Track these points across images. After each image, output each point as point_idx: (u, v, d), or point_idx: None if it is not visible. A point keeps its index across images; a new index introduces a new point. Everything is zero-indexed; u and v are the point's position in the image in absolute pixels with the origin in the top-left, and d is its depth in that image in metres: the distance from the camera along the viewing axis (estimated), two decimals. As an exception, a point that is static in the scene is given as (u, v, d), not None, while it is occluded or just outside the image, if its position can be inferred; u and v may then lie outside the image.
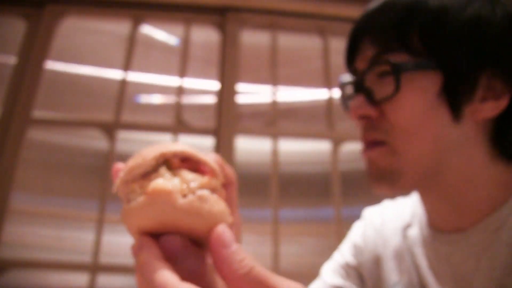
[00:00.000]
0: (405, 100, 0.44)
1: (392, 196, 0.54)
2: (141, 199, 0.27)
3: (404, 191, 0.48)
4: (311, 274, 1.68)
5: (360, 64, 0.49)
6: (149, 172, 0.28)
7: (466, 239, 0.46)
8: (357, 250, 0.63)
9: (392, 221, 0.59)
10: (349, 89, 0.52)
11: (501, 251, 0.43)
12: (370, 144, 0.47)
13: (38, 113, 1.71)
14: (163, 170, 0.28)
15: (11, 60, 1.77)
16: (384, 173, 0.47)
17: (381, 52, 0.45)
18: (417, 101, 0.44)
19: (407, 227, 0.56)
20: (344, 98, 0.53)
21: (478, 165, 0.45)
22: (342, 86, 0.53)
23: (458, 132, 0.44)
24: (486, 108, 0.44)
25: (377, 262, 0.59)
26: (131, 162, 0.29)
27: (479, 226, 0.45)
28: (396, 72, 0.43)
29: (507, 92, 0.43)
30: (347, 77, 0.52)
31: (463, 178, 0.46)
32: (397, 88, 0.43)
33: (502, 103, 0.43)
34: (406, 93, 0.44)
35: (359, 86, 0.47)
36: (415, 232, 0.54)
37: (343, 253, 0.66)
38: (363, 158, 0.49)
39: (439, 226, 0.50)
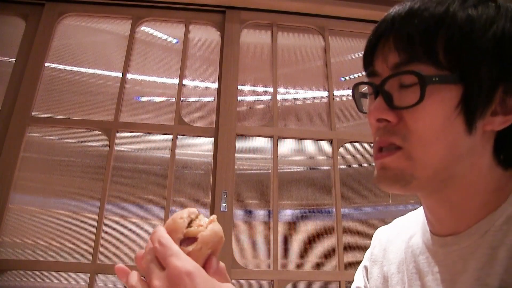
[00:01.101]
0: (426, 109, 0.45)
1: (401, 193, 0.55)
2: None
3: (412, 193, 0.50)
4: (311, 274, 1.68)
5: (381, 67, 0.49)
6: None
7: (458, 242, 0.49)
8: (367, 272, 0.66)
9: (399, 236, 0.62)
10: (365, 89, 0.53)
11: (485, 253, 0.46)
12: (385, 149, 0.49)
13: (37, 113, 1.70)
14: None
15: (11, 59, 1.77)
16: (398, 177, 0.48)
17: (406, 60, 0.46)
18: (437, 111, 0.45)
19: (411, 237, 0.59)
20: (359, 96, 0.54)
21: (480, 172, 0.47)
22: (358, 85, 0.54)
23: (469, 142, 0.46)
24: (496, 122, 0.45)
25: (384, 279, 0.62)
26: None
27: (471, 230, 0.48)
28: (423, 84, 0.44)
29: None
30: (362, 78, 0.53)
31: (466, 185, 0.48)
32: (421, 99, 0.44)
33: (511, 118, 0.45)
34: (428, 103, 0.45)
35: (380, 90, 0.48)
36: (418, 240, 0.57)
37: (356, 278, 0.69)
38: (376, 162, 0.50)
39: (437, 231, 0.53)
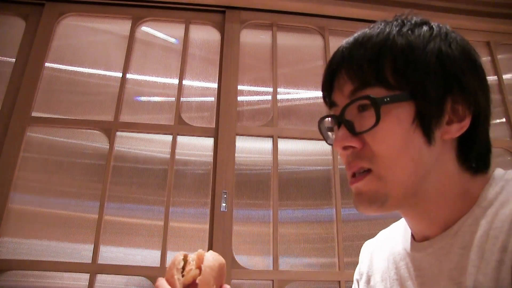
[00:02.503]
0: (384, 130, 0.48)
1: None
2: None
3: (390, 211, 0.52)
4: (311, 274, 1.68)
5: (339, 98, 0.53)
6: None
7: (432, 245, 0.52)
8: (358, 285, 0.69)
9: (383, 246, 0.65)
10: (329, 123, 0.58)
11: (457, 253, 0.48)
12: (357, 174, 0.51)
13: (37, 113, 1.70)
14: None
15: (11, 59, 1.77)
16: (373, 199, 0.50)
17: (359, 87, 0.50)
18: (395, 130, 0.48)
19: (393, 246, 0.62)
20: (326, 130, 0.59)
21: (450, 179, 0.51)
22: (322, 120, 0.58)
23: (432, 153, 0.49)
24: (452, 130, 0.49)
25: None
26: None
27: (444, 233, 0.51)
28: (376, 106, 0.48)
29: (468, 115, 0.49)
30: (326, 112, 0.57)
31: (438, 193, 0.50)
32: (377, 121, 0.48)
33: (465, 124, 0.49)
34: (385, 124, 0.48)
35: (341, 119, 0.51)
36: (399, 248, 0.60)
37: None
38: (352, 188, 0.53)
39: (416, 237, 0.56)
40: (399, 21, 0.53)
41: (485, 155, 0.53)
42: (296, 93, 1.89)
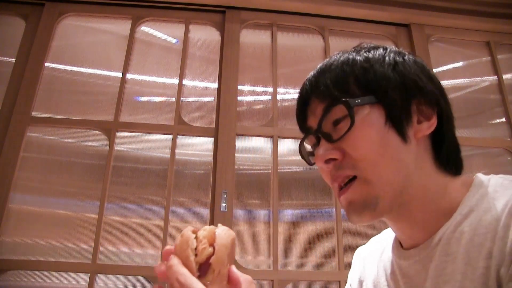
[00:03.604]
0: (360, 135, 0.51)
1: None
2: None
3: (383, 216, 0.53)
4: (311, 274, 1.68)
5: (313, 122, 0.56)
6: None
7: (418, 253, 0.54)
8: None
9: (373, 253, 0.67)
10: (309, 147, 0.60)
11: (441, 260, 0.50)
12: (344, 185, 0.53)
13: (37, 113, 1.70)
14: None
15: (11, 59, 1.77)
16: (364, 204, 0.52)
17: (330, 104, 0.53)
18: (370, 133, 0.51)
19: (382, 253, 0.64)
20: (307, 154, 0.61)
21: (430, 178, 0.53)
22: (302, 142, 0.60)
23: (410, 151, 0.52)
24: (423, 128, 0.53)
25: None
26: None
27: (429, 240, 0.52)
28: (349, 107, 0.51)
29: (433, 114, 0.54)
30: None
31: (421, 192, 0.52)
32: (352, 121, 0.51)
33: (433, 122, 0.54)
34: (359, 129, 0.51)
35: (319, 133, 0.55)
36: (388, 255, 0.62)
37: None
38: (341, 201, 0.55)
39: (403, 244, 0.58)
40: (356, 48, 0.58)
41: (455, 156, 0.56)
42: (296, 93, 1.88)
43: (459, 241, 0.48)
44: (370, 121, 0.52)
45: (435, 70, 1.96)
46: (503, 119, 1.95)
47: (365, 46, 0.58)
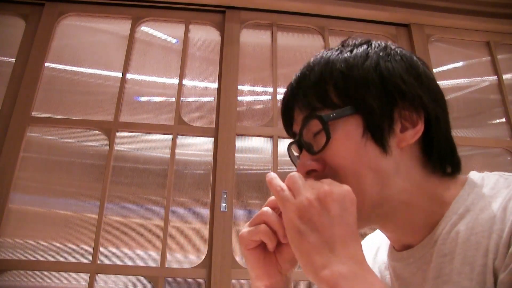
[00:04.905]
0: (338, 146, 0.50)
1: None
2: None
3: (361, 228, 0.52)
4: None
5: (297, 128, 0.56)
6: None
7: (413, 255, 0.53)
8: None
9: (368, 253, 0.65)
10: (296, 151, 0.59)
11: (439, 261, 0.49)
12: None
13: (37, 113, 1.70)
14: None
15: (11, 59, 1.77)
16: None
17: (309, 115, 0.52)
18: (347, 144, 0.50)
19: (376, 253, 0.64)
20: (295, 158, 0.61)
21: (416, 187, 0.51)
22: (289, 146, 0.60)
23: (391, 162, 0.50)
24: (407, 137, 0.51)
25: None
26: None
27: (423, 242, 0.52)
28: (323, 122, 0.50)
29: (419, 119, 0.51)
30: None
31: (405, 201, 0.51)
32: (328, 136, 0.50)
33: (419, 129, 0.51)
34: (336, 140, 0.50)
35: (300, 142, 0.54)
36: (383, 256, 0.61)
37: None
38: None
39: (396, 247, 0.57)
40: (339, 45, 0.56)
41: (449, 156, 0.54)
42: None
43: (456, 241, 0.48)
44: (347, 133, 0.51)
45: (435, 70, 1.96)
46: (503, 119, 1.95)
47: (350, 43, 0.56)
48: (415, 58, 0.55)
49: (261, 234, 0.50)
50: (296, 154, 0.60)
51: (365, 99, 0.50)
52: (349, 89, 0.51)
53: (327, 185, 0.45)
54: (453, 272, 0.47)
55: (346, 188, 0.45)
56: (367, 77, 0.51)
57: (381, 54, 0.53)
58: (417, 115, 0.51)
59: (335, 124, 0.51)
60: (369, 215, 0.51)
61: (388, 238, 0.59)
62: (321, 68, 0.54)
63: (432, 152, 0.52)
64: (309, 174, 0.53)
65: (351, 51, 0.54)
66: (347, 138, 0.50)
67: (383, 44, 0.55)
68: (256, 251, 0.51)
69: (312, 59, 0.57)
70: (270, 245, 0.50)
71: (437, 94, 0.54)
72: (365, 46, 0.54)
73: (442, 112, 0.53)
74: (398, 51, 0.54)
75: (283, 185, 0.48)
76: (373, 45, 0.55)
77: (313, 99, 0.52)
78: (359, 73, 0.51)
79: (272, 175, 0.50)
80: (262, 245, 0.52)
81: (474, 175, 0.53)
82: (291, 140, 0.59)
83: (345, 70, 0.52)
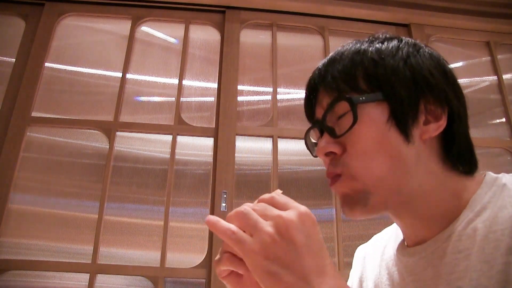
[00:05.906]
0: (362, 130, 0.51)
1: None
2: None
3: (378, 212, 0.52)
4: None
5: (319, 113, 0.56)
6: None
7: (424, 250, 0.53)
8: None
9: (375, 251, 0.66)
10: (314, 138, 0.60)
11: (453, 257, 0.49)
12: (333, 179, 0.54)
13: (37, 113, 1.70)
14: None
15: (11, 59, 1.77)
16: (352, 197, 0.52)
17: (336, 98, 0.53)
18: (371, 128, 0.51)
19: (384, 250, 0.63)
20: (312, 145, 0.61)
21: (436, 179, 0.52)
22: (307, 133, 0.60)
23: (412, 151, 0.51)
24: (430, 129, 0.52)
25: None
26: None
27: (436, 237, 0.52)
28: (353, 105, 0.50)
29: (443, 114, 0.52)
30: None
31: (426, 192, 0.52)
32: (355, 119, 0.50)
33: (442, 124, 0.52)
34: (361, 125, 0.51)
35: (322, 126, 0.54)
36: (390, 253, 0.61)
37: None
38: (335, 192, 0.55)
39: (408, 242, 0.57)
40: (370, 38, 0.57)
41: (468, 155, 0.54)
42: (296, 93, 1.89)
43: (472, 238, 0.48)
44: (372, 118, 0.51)
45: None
46: (503, 119, 1.95)
47: (380, 36, 0.57)
48: (441, 57, 0.56)
49: (227, 263, 0.46)
50: (313, 141, 0.60)
51: (394, 87, 0.51)
52: (379, 76, 0.52)
53: (283, 212, 0.44)
54: (469, 269, 0.46)
55: (302, 210, 0.45)
56: (398, 67, 0.52)
57: (410, 49, 0.54)
58: (442, 110, 0.52)
59: (362, 108, 0.51)
60: (386, 202, 0.51)
61: (402, 231, 0.58)
62: (352, 54, 0.54)
63: (451, 149, 0.53)
64: (327, 155, 0.54)
65: (381, 43, 0.55)
66: (371, 123, 0.51)
67: (413, 41, 0.57)
68: (231, 277, 0.48)
69: (340, 47, 0.57)
70: (241, 271, 0.46)
71: (461, 94, 0.55)
72: (396, 41, 0.56)
73: (463, 111, 0.54)
74: (427, 49, 0.56)
75: (232, 227, 0.43)
76: (403, 41, 0.56)
77: (341, 83, 0.53)
78: (390, 62, 0.52)
79: (213, 218, 0.44)
80: (235, 271, 0.49)
81: (491, 174, 0.53)
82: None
83: (377, 57, 0.53)
